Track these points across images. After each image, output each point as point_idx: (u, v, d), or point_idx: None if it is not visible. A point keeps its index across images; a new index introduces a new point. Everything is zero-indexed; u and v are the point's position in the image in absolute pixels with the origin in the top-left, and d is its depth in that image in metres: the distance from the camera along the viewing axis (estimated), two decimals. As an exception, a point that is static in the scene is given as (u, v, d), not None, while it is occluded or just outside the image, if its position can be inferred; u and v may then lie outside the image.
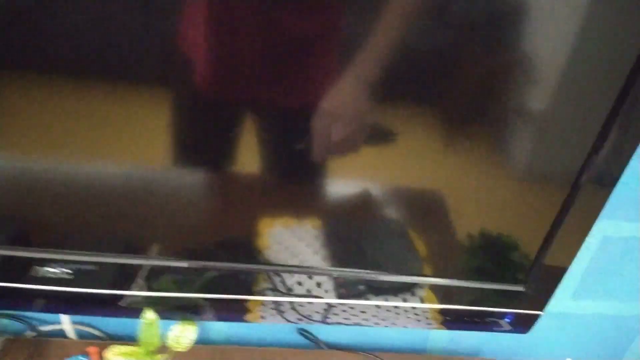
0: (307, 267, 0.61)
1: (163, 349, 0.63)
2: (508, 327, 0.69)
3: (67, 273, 0.59)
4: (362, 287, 0.64)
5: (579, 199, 0.56)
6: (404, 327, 0.69)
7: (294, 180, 0.54)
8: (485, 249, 0.61)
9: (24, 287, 0.60)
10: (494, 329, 0.69)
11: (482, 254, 0.62)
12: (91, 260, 0.58)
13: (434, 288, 0.64)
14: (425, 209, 0.57)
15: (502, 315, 0.68)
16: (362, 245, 0.61)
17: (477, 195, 0.56)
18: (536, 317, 0.68)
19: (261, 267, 0.61)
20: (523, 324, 0.69)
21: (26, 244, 0.56)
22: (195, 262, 0.59)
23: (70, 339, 0.79)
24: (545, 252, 0.61)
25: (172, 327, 0.65)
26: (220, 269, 0.60)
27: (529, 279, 0.64)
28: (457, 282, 0.64)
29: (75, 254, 0.57)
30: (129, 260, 0.59)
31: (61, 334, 0.79)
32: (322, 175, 0.53)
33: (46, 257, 0.57)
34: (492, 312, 0.67)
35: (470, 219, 0.58)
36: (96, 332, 0.80)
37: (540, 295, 0.66)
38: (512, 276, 0.64)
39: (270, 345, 0.83)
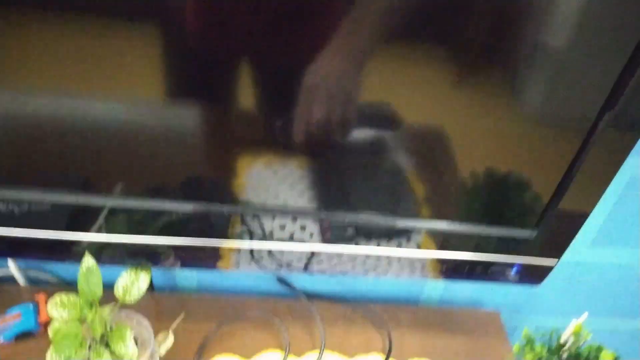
0: (289, 209, 0.52)
1: (110, 299, 0.54)
2: (516, 278, 0.60)
3: (11, 212, 0.50)
4: (350, 232, 0.55)
5: (602, 135, 0.46)
6: (397, 277, 0.59)
7: (279, 114, 0.45)
8: (492, 189, 0.51)
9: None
10: (500, 279, 0.60)
11: (488, 194, 0.52)
12: (39, 198, 0.49)
13: (431, 233, 0.55)
14: (425, 145, 0.48)
15: (509, 265, 0.58)
16: (352, 185, 0.51)
17: (484, 129, 0.46)
18: (549, 268, 0.58)
19: (237, 208, 0.51)
20: (533, 275, 0.60)
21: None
22: (159, 202, 0.50)
23: (19, 284, 0.71)
24: (562, 194, 0.51)
25: (121, 274, 0.56)
26: (188, 209, 0.51)
27: (542, 225, 0.54)
28: (458, 225, 0.54)
29: (21, 190, 0.49)
30: (83, 199, 0.49)
31: (9, 279, 0.71)
32: (310, 108, 0.44)
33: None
34: (498, 262, 0.57)
35: (475, 155, 0.49)
36: (48, 277, 0.72)
37: (555, 243, 0.56)
38: (522, 221, 0.54)
39: (245, 292, 0.74)
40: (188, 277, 0.74)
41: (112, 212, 0.51)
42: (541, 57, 0.41)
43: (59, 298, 0.53)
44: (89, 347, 0.52)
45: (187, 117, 0.45)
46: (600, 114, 0.45)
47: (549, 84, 0.43)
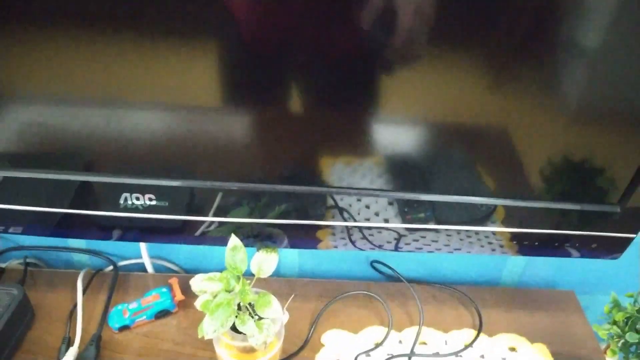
0: (374, 189, 0.61)
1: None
2: (594, 252, 0.67)
3: (147, 199, 0.60)
4: (430, 214, 0.63)
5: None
6: (480, 252, 0.67)
7: (349, 119, 0.54)
8: (570, 172, 0.58)
9: (101, 214, 0.62)
10: (580, 252, 0.67)
11: (566, 177, 0.59)
12: (170, 184, 0.59)
13: (510, 211, 0.62)
14: (493, 142, 0.56)
15: (589, 240, 0.65)
16: (429, 174, 0.60)
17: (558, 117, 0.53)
18: (629, 240, 0.65)
19: (327, 189, 0.60)
20: (612, 249, 0.66)
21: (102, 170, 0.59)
22: (271, 186, 0.60)
23: (149, 272, 0.81)
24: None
25: (254, 255, 0.65)
26: (289, 192, 0.61)
27: (625, 199, 0.61)
28: (539, 203, 0.61)
29: (153, 179, 0.59)
30: (204, 184, 0.59)
31: (139, 268, 0.81)
32: (380, 112, 0.53)
33: (120, 183, 0.59)
34: (580, 236, 0.65)
35: (553, 141, 0.56)
36: (173, 267, 0.82)
37: (636, 216, 0.63)
38: (604, 196, 0.61)
39: (342, 277, 0.83)
40: (290, 265, 0.83)
41: (227, 197, 0.61)
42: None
43: (206, 275, 0.63)
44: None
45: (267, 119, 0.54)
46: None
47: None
